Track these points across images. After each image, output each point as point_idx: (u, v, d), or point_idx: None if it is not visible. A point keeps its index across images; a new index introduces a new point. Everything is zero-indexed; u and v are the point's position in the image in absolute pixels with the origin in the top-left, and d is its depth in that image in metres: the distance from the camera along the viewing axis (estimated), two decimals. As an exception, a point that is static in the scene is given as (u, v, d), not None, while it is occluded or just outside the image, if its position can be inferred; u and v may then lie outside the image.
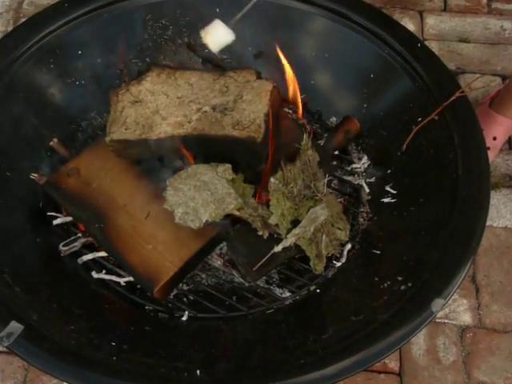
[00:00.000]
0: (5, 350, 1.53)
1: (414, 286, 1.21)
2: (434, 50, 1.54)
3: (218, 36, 1.29)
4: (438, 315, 1.61)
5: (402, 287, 1.22)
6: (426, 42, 1.92)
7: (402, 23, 1.60)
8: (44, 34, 1.52)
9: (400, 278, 1.24)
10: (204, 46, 1.34)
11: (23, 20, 1.95)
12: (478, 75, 2.01)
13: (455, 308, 1.63)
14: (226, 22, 1.33)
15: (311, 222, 1.30)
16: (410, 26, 2.13)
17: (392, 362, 1.56)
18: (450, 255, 1.23)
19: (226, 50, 1.58)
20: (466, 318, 1.62)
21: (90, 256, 1.38)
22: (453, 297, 1.20)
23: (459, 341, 1.59)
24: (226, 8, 1.60)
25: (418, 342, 1.58)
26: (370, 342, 1.14)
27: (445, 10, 2.22)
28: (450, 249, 1.23)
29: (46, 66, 1.52)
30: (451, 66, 2.02)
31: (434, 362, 1.56)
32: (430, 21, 2.18)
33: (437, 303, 1.16)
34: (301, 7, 1.55)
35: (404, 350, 1.57)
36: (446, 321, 1.62)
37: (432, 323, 1.59)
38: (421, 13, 2.20)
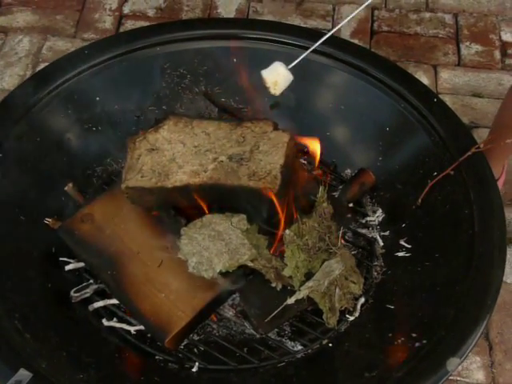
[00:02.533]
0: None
1: (429, 343, 1.19)
2: (447, 104, 1.55)
3: (279, 78, 1.29)
4: (451, 372, 1.58)
5: (417, 344, 1.20)
6: (440, 96, 1.93)
7: (416, 77, 1.62)
8: (63, 80, 1.55)
9: (414, 335, 1.23)
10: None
11: (42, 65, 2.00)
12: (490, 131, 2.02)
13: (468, 365, 1.61)
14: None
15: (325, 276, 1.29)
16: (424, 79, 2.15)
17: (404, 420, 1.52)
18: (466, 313, 1.21)
19: (243, 100, 1.61)
20: (479, 376, 1.59)
21: (101, 303, 1.37)
22: (465, 354, 1.18)
23: (472, 399, 1.56)
24: (242, 58, 1.62)
25: (430, 400, 1.55)
26: (384, 400, 1.12)
27: (459, 64, 2.24)
28: (465, 306, 1.22)
29: (63, 112, 1.54)
30: (465, 120, 2.03)
31: (447, 420, 1.53)
32: (444, 75, 2.19)
33: (452, 362, 1.14)
34: (319, 60, 1.57)
35: (416, 407, 1.54)
36: (459, 378, 1.59)
37: (445, 381, 1.57)
38: (435, 67, 2.22)
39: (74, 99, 1.55)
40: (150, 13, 2.37)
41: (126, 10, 2.38)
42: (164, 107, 1.64)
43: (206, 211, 1.32)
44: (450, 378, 1.57)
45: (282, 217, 1.31)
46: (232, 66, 1.63)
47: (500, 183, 1.85)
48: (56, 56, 1.62)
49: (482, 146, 1.41)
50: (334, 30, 1.31)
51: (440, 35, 2.32)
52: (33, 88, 1.51)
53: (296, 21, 2.33)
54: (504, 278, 1.71)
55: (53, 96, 1.52)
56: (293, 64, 1.29)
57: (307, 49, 1.56)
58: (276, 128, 1.37)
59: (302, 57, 1.30)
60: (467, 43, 2.29)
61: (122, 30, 2.31)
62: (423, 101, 1.51)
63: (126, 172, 1.33)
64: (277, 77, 1.29)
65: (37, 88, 1.51)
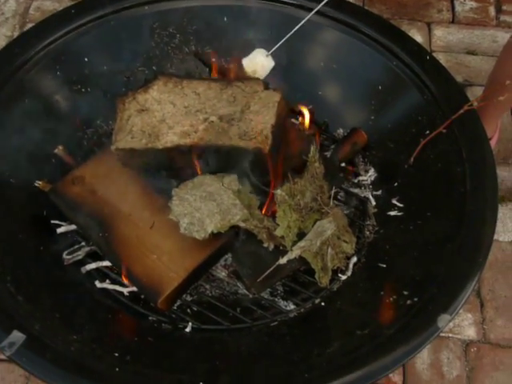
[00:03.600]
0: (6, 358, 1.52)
1: (420, 300, 1.20)
2: (441, 62, 1.53)
3: (257, 67, 1.28)
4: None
5: (408, 302, 1.21)
6: (434, 54, 1.91)
7: (409, 34, 1.60)
8: (50, 40, 1.52)
9: (406, 293, 1.23)
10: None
11: (29, 25, 1.97)
12: (483, 89, 2.01)
13: (460, 322, 1.62)
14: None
15: (318, 236, 1.29)
16: (418, 37, 2.13)
17: (396, 376, 1.54)
18: (457, 270, 1.22)
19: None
20: (471, 333, 1.61)
21: (93, 265, 1.37)
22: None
23: (463, 355, 1.58)
24: (233, 17, 1.60)
25: (422, 356, 1.57)
26: (375, 357, 1.13)
27: (453, 21, 2.21)
28: (456, 264, 1.23)
29: (51, 73, 1.52)
30: (458, 78, 2.01)
31: (438, 376, 1.55)
32: (438, 32, 2.17)
33: (443, 318, 1.15)
34: (311, 18, 1.54)
35: (408, 364, 1.56)
36: (451, 335, 1.61)
37: (436, 337, 1.58)
38: (429, 24, 2.19)
39: (61, 60, 1.53)
40: (139, -29, 2.32)
41: (115, -32, 2.33)
42: (154, 68, 1.62)
43: (198, 172, 1.31)
44: (442, 335, 1.60)
45: (273, 177, 1.31)
46: (222, 25, 1.61)
47: (493, 142, 1.84)
48: (43, 16, 1.60)
49: (474, 103, 1.41)
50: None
51: (434, -9, 2.29)
52: (19, 49, 1.49)
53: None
54: (496, 237, 1.74)
55: (40, 57, 1.50)
56: (272, 50, 1.29)
57: (299, 6, 1.55)
58: (267, 87, 1.35)
59: (282, 41, 1.31)
60: (462, 0, 2.26)
61: (110, -11, 2.27)
62: (416, 58, 1.50)
63: (115, 133, 1.32)
64: (255, 66, 1.29)
65: (23, 49, 1.49)
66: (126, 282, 1.33)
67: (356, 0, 2.23)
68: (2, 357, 1.49)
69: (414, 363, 1.56)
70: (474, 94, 1.97)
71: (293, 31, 1.30)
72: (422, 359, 1.57)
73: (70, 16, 1.56)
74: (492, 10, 2.23)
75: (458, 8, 2.24)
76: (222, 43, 1.62)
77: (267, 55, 1.28)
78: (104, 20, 1.57)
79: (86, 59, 1.55)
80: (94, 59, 1.56)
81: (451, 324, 1.61)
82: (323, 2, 1.33)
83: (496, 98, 1.58)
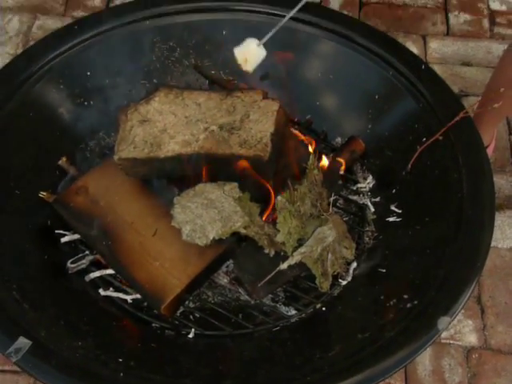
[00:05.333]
0: (11, 368, 1.53)
1: (420, 303, 1.21)
2: (435, 71, 1.56)
3: (249, 55, 1.29)
4: (444, 336, 1.61)
5: (408, 305, 1.23)
6: (429, 66, 1.94)
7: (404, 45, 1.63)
8: (54, 55, 1.55)
9: (406, 296, 1.25)
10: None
11: (32, 43, 1.99)
12: (480, 98, 2.03)
13: (461, 329, 1.63)
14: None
15: (318, 242, 1.31)
16: (414, 49, 2.16)
17: (397, 383, 1.55)
18: (456, 274, 1.24)
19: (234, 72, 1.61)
20: (472, 339, 1.62)
21: (97, 273, 1.39)
22: (458, 317, 1.20)
23: (465, 362, 1.59)
24: (231, 30, 1.63)
25: (424, 363, 1.58)
26: (377, 359, 1.14)
27: (448, 34, 2.24)
28: (455, 267, 1.24)
29: (55, 87, 1.55)
30: (454, 89, 2.03)
31: (440, 382, 1.55)
32: (433, 45, 2.20)
33: (443, 321, 1.17)
34: (307, 30, 1.58)
35: (410, 370, 1.57)
36: (452, 341, 1.61)
37: (437, 343, 1.60)
38: (424, 37, 2.22)
39: (65, 74, 1.55)
40: (139, -10, 2.36)
41: (115, -13, 2.37)
42: (155, 80, 1.64)
43: (201, 180, 1.34)
44: (444, 341, 1.60)
45: (273, 183, 1.33)
46: (221, 39, 1.64)
47: (490, 150, 1.87)
48: (46, 35, 1.63)
49: (470, 110, 1.43)
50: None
51: (428, 5, 2.32)
52: (24, 63, 1.52)
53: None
54: (495, 243, 1.76)
55: (44, 71, 1.52)
56: (264, 39, 1.29)
57: (296, 19, 1.57)
58: (266, 97, 1.38)
59: (273, 31, 1.29)
60: (456, 13, 2.30)
61: (111, 7, 2.30)
62: (411, 68, 1.52)
63: (118, 143, 1.35)
64: (247, 54, 1.29)
65: (28, 63, 1.52)
66: (129, 288, 1.35)
67: (352, 14, 2.26)
68: (7, 368, 1.52)
69: (415, 370, 1.57)
70: (470, 104, 1.98)
71: (283, 21, 1.30)
72: (424, 366, 1.58)
73: (73, 32, 1.59)
74: (486, 22, 2.27)
75: (452, 21, 2.27)
76: (220, 56, 1.65)
77: (259, 44, 1.29)
78: (106, 35, 1.60)
79: (88, 73, 1.58)
80: (96, 73, 1.59)
81: (452, 330, 1.62)
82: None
83: (492, 106, 1.60)
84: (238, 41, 1.58)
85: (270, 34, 1.28)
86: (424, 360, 1.58)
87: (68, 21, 2.22)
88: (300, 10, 1.60)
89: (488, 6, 2.32)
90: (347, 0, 2.32)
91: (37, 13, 2.28)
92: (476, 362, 1.59)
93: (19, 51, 2.15)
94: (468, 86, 2.09)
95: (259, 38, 1.29)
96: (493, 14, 2.29)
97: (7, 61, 2.06)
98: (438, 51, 2.18)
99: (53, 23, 2.25)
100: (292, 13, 1.32)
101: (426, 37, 2.23)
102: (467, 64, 2.15)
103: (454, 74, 2.12)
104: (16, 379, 1.54)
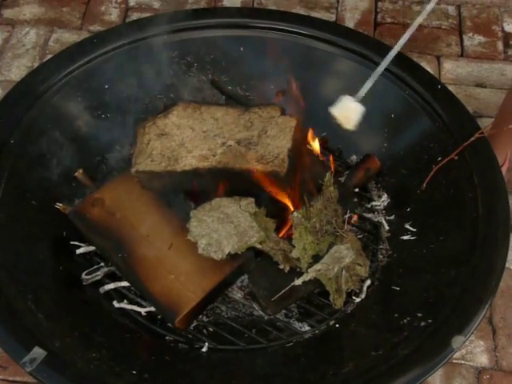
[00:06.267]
0: (22, 379, 1.53)
1: (435, 322, 1.21)
2: (451, 91, 1.57)
3: (350, 112, 1.28)
4: (455, 356, 1.59)
5: (422, 323, 1.23)
6: (444, 86, 1.95)
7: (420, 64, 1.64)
8: (72, 68, 1.56)
9: (420, 315, 1.25)
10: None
11: (49, 56, 2.01)
12: (494, 119, 2.03)
13: (472, 349, 1.63)
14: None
15: (335, 261, 1.31)
16: (428, 70, 2.16)
17: (409, 403, 1.54)
18: (470, 293, 1.24)
19: (251, 88, 1.63)
20: (483, 360, 1.61)
21: (111, 285, 1.39)
22: (470, 338, 1.19)
23: (476, 382, 1.58)
24: (249, 47, 1.65)
25: (435, 383, 1.57)
26: (391, 377, 1.14)
27: (462, 55, 2.25)
28: (470, 287, 1.24)
29: (73, 100, 1.56)
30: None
31: (451, 403, 1.55)
32: (447, 65, 2.21)
33: (457, 340, 1.16)
34: (324, 48, 1.59)
35: (421, 390, 1.56)
36: (463, 362, 1.61)
37: (449, 364, 1.58)
38: (438, 58, 2.24)
39: (83, 87, 1.57)
40: (156, 5, 2.39)
41: (132, 2, 2.39)
42: (172, 95, 1.65)
43: (217, 194, 1.34)
44: (455, 361, 1.60)
45: (289, 199, 1.33)
46: (239, 55, 1.65)
47: (503, 171, 1.87)
48: (62, 48, 1.64)
49: (485, 131, 1.44)
50: (401, 42, 1.30)
51: (443, 26, 2.33)
52: (43, 76, 1.53)
53: (300, 13, 2.35)
54: (508, 264, 1.74)
55: (63, 84, 1.54)
56: (360, 95, 1.26)
57: (313, 37, 1.59)
58: (283, 113, 1.39)
59: (367, 86, 1.27)
60: (470, 34, 2.31)
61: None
62: (427, 87, 1.54)
63: (136, 156, 1.35)
64: (347, 111, 1.28)
65: (47, 76, 1.53)
66: (143, 301, 1.35)
67: (366, 33, 2.27)
68: (18, 378, 1.52)
69: (427, 390, 1.57)
70: (484, 125, 2.00)
71: (376, 75, 1.30)
72: (435, 386, 1.57)
73: (92, 45, 1.61)
74: (500, 45, 2.28)
75: (466, 42, 2.28)
76: (238, 72, 1.66)
77: (355, 101, 1.28)
78: (124, 49, 1.62)
79: (106, 86, 1.60)
80: (114, 87, 1.60)
81: (463, 351, 1.61)
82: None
83: (505, 127, 1.61)
84: (256, 57, 1.60)
85: (364, 90, 1.26)
86: (435, 380, 1.57)
87: (85, 35, 2.25)
88: (317, 28, 1.63)
89: (502, 28, 2.33)
90: (362, 19, 2.34)
91: (54, 26, 2.31)
92: (487, 382, 1.58)
93: (36, 64, 2.17)
94: (481, 108, 2.10)
95: (351, 94, 1.28)
96: (507, 37, 2.30)
97: (24, 73, 2.11)
98: (452, 72, 2.19)
99: (70, 37, 2.27)
100: (386, 63, 1.31)
101: (441, 58, 2.24)
102: (481, 85, 2.15)
103: (468, 95, 2.13)
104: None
